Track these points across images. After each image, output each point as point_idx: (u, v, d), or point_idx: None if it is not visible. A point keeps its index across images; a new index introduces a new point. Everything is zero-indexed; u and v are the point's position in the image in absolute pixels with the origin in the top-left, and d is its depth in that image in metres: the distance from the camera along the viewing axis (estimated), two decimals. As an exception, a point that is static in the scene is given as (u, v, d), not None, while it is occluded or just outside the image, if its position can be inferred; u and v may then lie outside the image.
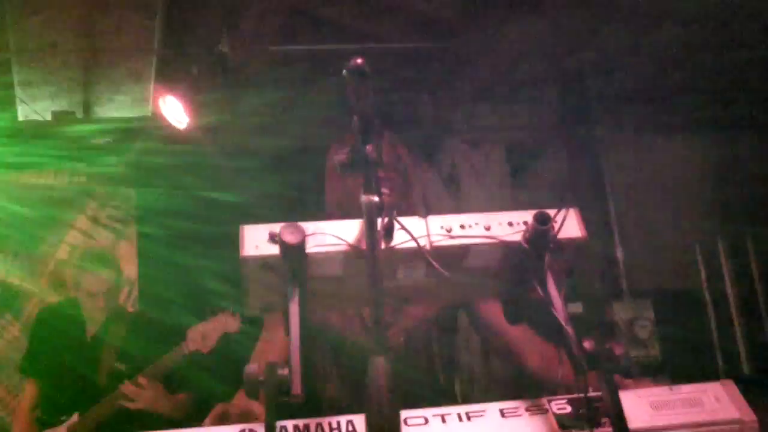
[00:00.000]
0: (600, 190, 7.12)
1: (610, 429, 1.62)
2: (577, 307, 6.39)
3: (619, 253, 6.85)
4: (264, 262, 1.70)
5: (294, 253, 1.64)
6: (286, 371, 1.54)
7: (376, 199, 1.57)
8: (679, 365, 6.33)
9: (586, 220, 1.82)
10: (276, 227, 1.67)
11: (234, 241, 1.73)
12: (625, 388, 1.96)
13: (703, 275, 7.16)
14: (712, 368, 6.76)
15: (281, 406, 1.56)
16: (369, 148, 1.59)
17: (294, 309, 1.62)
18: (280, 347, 2.44)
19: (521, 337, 2.60)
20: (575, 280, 6.65)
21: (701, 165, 7.60)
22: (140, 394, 4.38)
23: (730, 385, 1.84)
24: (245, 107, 6.60)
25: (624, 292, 6.71)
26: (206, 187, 6.48)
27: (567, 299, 1.78)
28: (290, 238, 1.62)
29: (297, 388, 1.52)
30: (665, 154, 7.51)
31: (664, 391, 1.82)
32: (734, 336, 6.90)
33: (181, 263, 6.40)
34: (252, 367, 1.54)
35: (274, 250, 1.68)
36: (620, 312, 6.50)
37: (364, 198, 1.57)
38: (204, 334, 4.47)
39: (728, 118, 7.41)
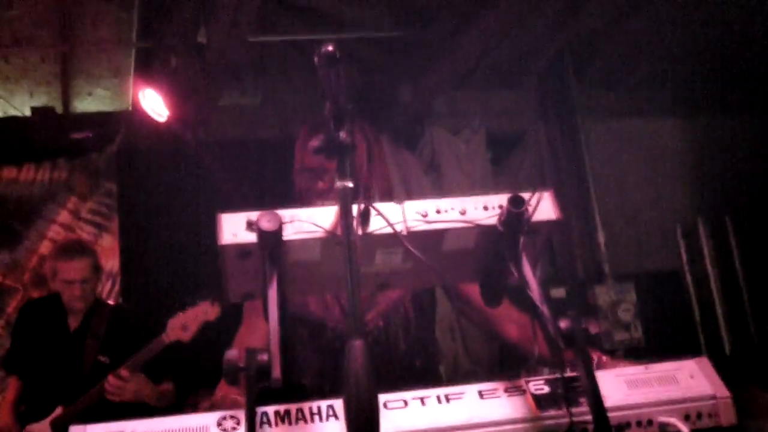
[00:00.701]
0: (581, 174, 7.15)
1: (587, 408, 1.64)
2: (559, 293, 6.43)
3: (601, 237, 6.89)
4: (242, 250, 1.71)
5: (271, 240, 1.65)
6: (265, 356, 1.55)
7: (350, 184, 1.58)
8: (663, 347, 6.39)
9: (566, 205, 1.84)
10: (253, 215, 1.68)
11: (214, 231, 1.74)
12: (603, 366, 1.98)
13: (684, 257, 7.21)
14: (695, 349, 6.81)
15: (261, 392, 1.57)
16: (342, 133, 1.60)
17: (272, 295, 1.64)
18: (259, 334, 2.46)
19: (499, 309, 2.62)
20: (557, 265, 6.71)
21: (681, 147, 7.65)
22: (123, 387, 4.38)
23: (704, 362, 1.86)
24: (225, 97, 6.60)
25: (606, 275, 6.75)
26: (187, 178, 6.48)
27: (546, 282, 1.80)
28: (267, 225, 1.63)
29: (277, 372, 1.53)
30: (645, 138, 7.56)
31: (639, 370, 1.85)
32: (716, 316, 6.96)
33: (163, 255, 6.41)
34: (232, 353, 1.55)
35: (252, 237, 1.69)
36: (603, 295, 6.55)
37: (338, 183, 1.59)
38: (184, 324, 4.47)
39: (708, 100, 7.46)
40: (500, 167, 7.40)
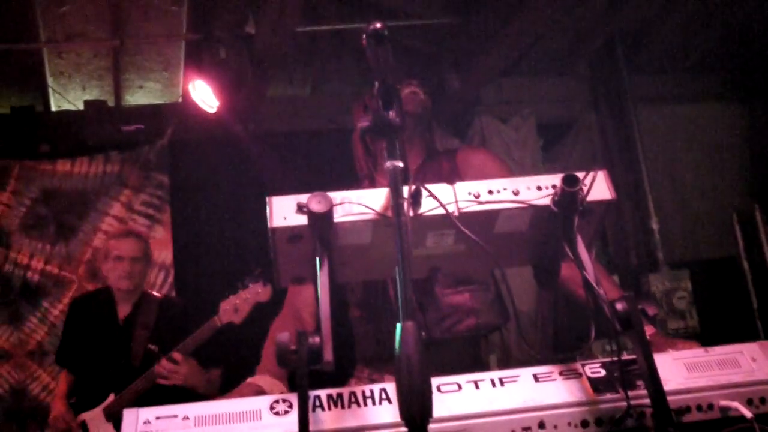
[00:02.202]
0: (634, 161, 7.04)
1: (645, 392, 1.60)
2: (614, 279, 6.34)
3: (655, 224, 6.77)
4: (292, 233, 1.70)
5: (321, 222, 1.64)
6: (317, 339, 1.54)
7: (400, 164, 1.56)
8: (719, 335, 6.26)
9: (619, 192, 1.80)
10: (303, 197, 1.67)
11: (264, 218, 1.73)
12: (658, 346, 1.94)
13: (740, 243, 7.07)
14: (753, 337, 6.67)
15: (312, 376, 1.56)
16: (391, 113, 1.57)
17: (323, 278, 1.62)
18: (303, 316, 2.45)
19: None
20: (610, 253, 6.62)
21: (736, 132, 7.49)
22: (176, 370, 4.42)
23: (767, 345, 1.81)
24: (274, 88, 6.61)
25: (660, 263, 6.64)
26: (237, 169, 6.51)
27: (600, 263, 1.76)
28: (317, 207, 1.62)
29: (328, 355, 1.52)
30: (699, 123, 7.42)
31: (699, 353, 1.80)
32: (774, 303, 6.82)
33: (216, 247, 6.45)
34: (283, 336, 1.55)
35: (303, 220, 1.68)
36: (657, 283, 6.45)
37: (388, 164, 1.57)
38: (236, 306, 4.50)
39: (762, 84, 7.30)
40: (551, 154, 7.31)
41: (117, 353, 4.71)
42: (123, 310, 4.83)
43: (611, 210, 1.84)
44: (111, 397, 4.63)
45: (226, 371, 4.68)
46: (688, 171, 7.34)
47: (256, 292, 4.50)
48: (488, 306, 2.73)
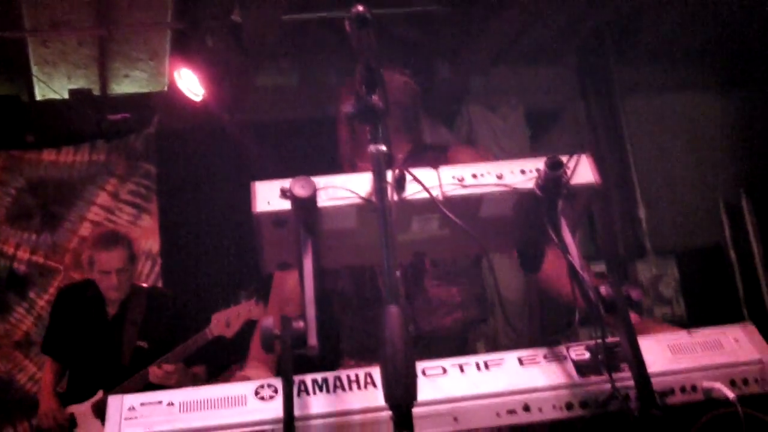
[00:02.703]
0: (621, 150, 7.07)
1: (629, 374, 1.61)
2: (600, 268, 6.37)
3: (642, 212, 6.81)
4: (277, 218, 1.70)
5: (305, 207, 1.64)
6: (301, 324, 1.54)
7: (383, 148, 1.56)
8: (706, 323, 6.27)
9: (607, 181, 1.80)
10: (287, 183, 1.67)
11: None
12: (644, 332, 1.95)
13: (727, 232, 7.10)
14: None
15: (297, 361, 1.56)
16: (375, 97, 1.57)
17: (308, 263, 1.62)
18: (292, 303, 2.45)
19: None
20: (598, 240, 6.64)
21: (724, 121, 7.52)
22: (166, 379, 4.43)
23: (750, 327, 1.82)
24: (261, 78, 6.59)
25: (647, 250, 6.68)
26: (224, 158, 6.49)
27: (584, 252, 1.76)
28: (301, 191, 1.61)
29: (313, 339, 1.52)
30: (687, 112, 7.44)
31: (682, 335, 1.81)
32: (760, 291, 6.85)
33: (202, 236, 6.44)
34: (268, 321, 1.54)
35: (287, 205, 1.68)
36: (644, 271, 6.49)
37: (371, 148, 1.56)
38: (228, 320, 4.54)
39: (749, 74, 7.32)
40: (539, 144, 7.32)
41: (106, 350, 4.70)
42: (112, 306, 4.81)
43: (598, 196, 1.84)
44: (100, 394, 4.62)
45: (210, 368, 4.71)
46: (675, 160, 7.35)
47: (249, 309, 4.56)
48: (475, 300, 2.74)
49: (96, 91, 6.74)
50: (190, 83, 5.98)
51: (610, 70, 7.17)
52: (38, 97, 6.77)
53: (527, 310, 6.24)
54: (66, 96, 6.56)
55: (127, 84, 6.89)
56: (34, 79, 6.60)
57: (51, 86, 6.62)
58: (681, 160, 7.32)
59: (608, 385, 1.66)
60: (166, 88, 6.78)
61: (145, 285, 5.11)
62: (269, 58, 6.41)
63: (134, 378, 4.50)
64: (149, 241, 6.37)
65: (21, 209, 6.42)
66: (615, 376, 1.67)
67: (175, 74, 6.00)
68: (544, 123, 7.42)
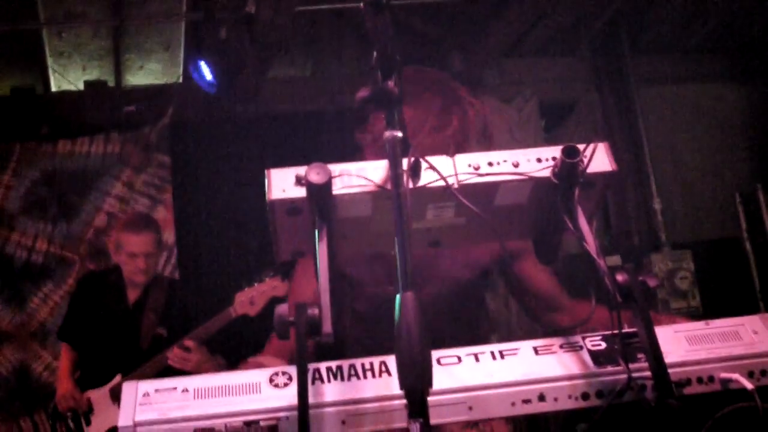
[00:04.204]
0: (636, 141, 7.04)
1: (646, 364, 1.59)
2: (615, 261, 6.35)
3: (657, 205, 6.78)
4: (291, 205, 1.69)
5: (320, 194, 1.63)
6: (316, 311, 1.53)
7: (399, 134, 1.55)
8: (721, 316, 6.23)
9: (622, 172, 1.79)
10: (302, 170, 1.66)
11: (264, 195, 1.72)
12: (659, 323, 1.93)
13: (743, 224, 7.05)
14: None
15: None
16: (390, 83, 1.56)
17: (322, 250, 1.61)
18: (311, 291, 2.43)
19: (555, 295, 2.64)
20: (612, 233, 6.63)
21: (739, 113, 7.47)
22: (188, 357, 4.43)
23: (768, 318, 1.81)
24: (274, 69, 6.59)
25: (663, 243, 6.65)
26: (238, 150, 6.50)
27: (601, 244, 1.75)
28: (316, 178, 1.61)
29: (327, 326, 1.51)
30: (702, 103, 7.40)
31: (699, 326, 1.79)
32: (777, 285, 6.81)
33: (218, 227, 6.45)
34: (282, 308, 1.54)
35: (302, 192, 1.67)
36: (659, 264, 6.45)
37: (387, 134, 1.55)
38: (252, 299, 4.51)
39: (765, 63, 7.27)
40: (553, 136, 7.30)
41: (125, 336, 4.72)
42: (133, 293, 4.84)
43: (613, 184, 1.83)
44: (118, 378, 4.65)
45: (232, 359, 4.70)
46: (690, 151, 7.32)
47: (273, 286, 4.51)
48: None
49: (111, 83, 6.76)
50: (204, 75, 5.98)
51: (624, 61, 7.14)
52: (53, 89, 6.80)
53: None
54: (81, 87, 6.58)
55: (142, 75, 6.91)
56: (50, 71, 6.62)
57: (66, 77, 6.64)
58: (697, 152, 7.28)
59: (624, 375, 1.64)
60: (180, 80, 6.79)
61: (168, 276, 5.13)
62: (282, 50, 6.40)
63: (152, 362, 4.52)
64: (165, 233, 6.36)
65: (36, 200, 6.45)
66: (631, 366, 1.65)
67: (190, 67, 6.01)
68: (559, 115, 7.40)
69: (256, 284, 4.56)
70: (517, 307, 6.05)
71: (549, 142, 7.16)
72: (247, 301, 4.52)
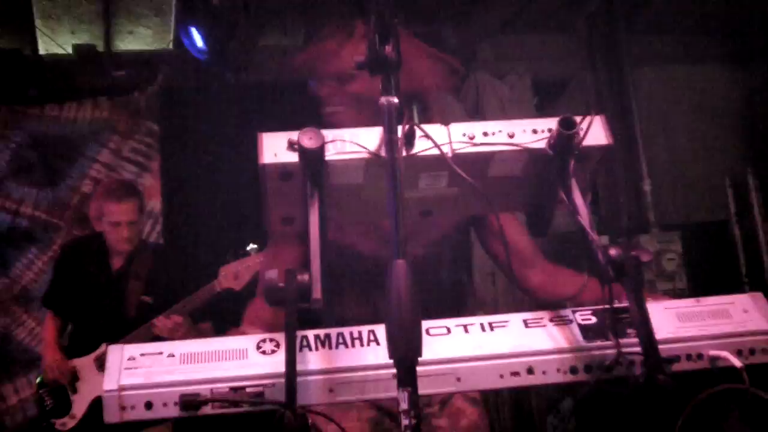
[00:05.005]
0: (628, 121, 7.02)
1: (636, 340, 1.59)
2: (603, 241, 6.35)
3: (647, 186, 6.79)
4: (283, 170, 1.68)
5: (313, 159, 1.62)
6: (306, 277, 1.53)
7: (395, 100, 1.53)
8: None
9: (613, 152, 1.78)
10: (295, 134, 1.65)
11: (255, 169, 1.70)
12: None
13: (732, 208, 7.07)
14: (741, 301, 6.70)
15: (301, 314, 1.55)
16: (388, 48, 1.54)
17: (314, 216, 1.61)
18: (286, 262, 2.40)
19: (528, 254, 2.62)
20: (601, 213, 6.63)
21: (732, 96, 7.46)
22: (173, 331, 4.42)
23: (759, 297, 1.81)
24: (267, 37, 6.54)
25: (651, 224, 6.66)
26: (228, 119, 6.46)
27: (592, 221, 1.74)
28: (309, 143, 1.59)
29: (317, 293, 1.51)
30: (696, 85, 7.38)
31: (690, 303, 1.80)
32: (763, 269, 6.84)
33: (205, 196, 6.43)
34: (271, 273, 1.53)
35: (294, 157, 1.65)
36: (647, 245, 6.46)
37: (383, 100, 1.54)
38: (236, 273, 4.50)
39: (761, 47, 7.26)
40: (545, 113, 7.27)
41: (110, 304, 4.70)
42: (117, 260, 4.81)
43: (606, 159, 1.82)
44: (103, 347, 4.63)
45: (217, 323, 4.69)
46: (682, 133, 7.31)
47: (258, 261, 4.48)
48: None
49: (100, 47, 6.69)
50: (195, 42, 5.93)
51: (619, 39, 7.11)
52: (41, 52, 6.73)
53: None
54: (70, 51, 6.52)
55: (132, 41, 6.84)
56: (38, 33, 6.55)
57: (55, 41, 6.57)
58: (688, 134, 7.28)
59: (614, 350, 1.65)
60: (171, 46, 6.73)
61: (152, 243, 5.10)
62: (275, 18, 6.36)
63: (139, 330, 4.50)
64: (151, 201, 6.35)
65: (22, 163, 6.41)
66: (621, 341, 1.66)
67: (181, 33, 5.96)
68: (552, 92, 7.38)
69: (241, 258, 4.55)
70: (504, 284, 6.08)
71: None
72: (232, 275, 4.51)
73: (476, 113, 6.97)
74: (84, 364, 4.69)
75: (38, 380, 4.89)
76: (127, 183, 5.25)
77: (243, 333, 2.32)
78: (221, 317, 4.65)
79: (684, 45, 7.46)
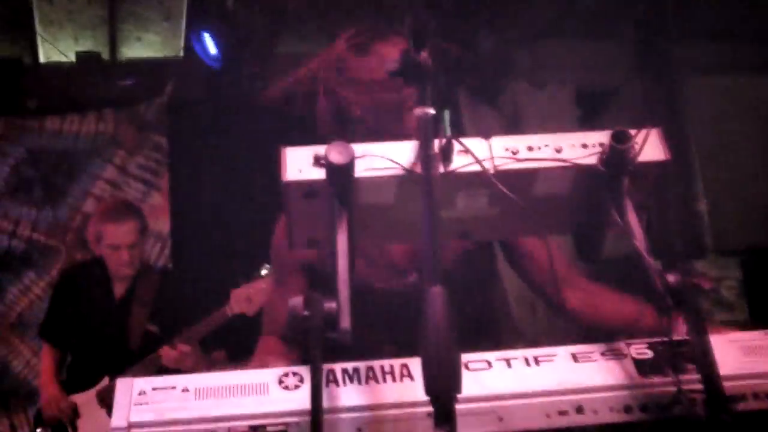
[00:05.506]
0: (681, 136, 6.99)
1: (698, 376, 1.57)
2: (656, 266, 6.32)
3: (703, 207, 6.75)
4: (308, 188, 1.67)
5: (341, 176, 1.61)
6: (333, 305, 1.52)
7: (431, 111, 1.53)
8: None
9: (670, 166, 1.76)
10: (321, 149, 1.65)
11: (270, 189, 1.71)
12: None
13: (797, 231, 7.02)
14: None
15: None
16: (423, 54, 1.55)
17: (342, 238, 1.60)
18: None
19: (564, 273, 2.58)
20: (653, 236, 6.59)
21: (797, 107, 7.42)
22: (181, 361, 4.43)
23: (835, 330, 1.79)
24: (285, 44, 6.58)
25: (708, 249, 6.62)
26: (245, 132, 6.48)
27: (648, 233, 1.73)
28: (338, 158, 1.59)
29: (345, 321, 1.50)
30: (756, 95, 7.35)
31: (757, 336, 1.78)
32: (833, 299, 6.77)
33: (217, 216, 6.44)
34: (296, 301, 1.53)
35: (320, 174, 1.65)
36: (704, 271, 6.42)
37: (418, 111, 1.54)
38: (249, 296, 4.51)
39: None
40: (589, 127, 7.25)
41: (112, 334, 4.72)
42: (119, 286, 4.83)
43: (662, 176, 1.81)
44: (105, 381, 4.65)
45: (230, 351, 4.69)
46: (741, 149, 7.27)
47: None
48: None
49: (105, 55, 6.77)
50: (207, 50, 5.98)
51: (671, 46, 7.10)
52: (42, 60, 6.81)
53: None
54: (72, 59, 6.58)
55: (139, 48, 6.91)
56: (39, 40, 6.63)
57: (57, 48, 6.65)
58: (748, 150, 7.24)
59: (672, 387, 1.63)
60: (181, 54, 6.79)
61: (157, 266, 5.13)
62: (293, 22, 6.39)
63: (145, 362, 4.52)
64: (159, 221, 6.39)
65: (20, 181, 6.46)
66: (681, 377, 1.64)
67: (192, 39, 6.02)
68: (596, 104, 7.37)
69: (254, 280, 4.55)
70: (545, 311, 6.04)
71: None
72: (245, 298, 4.52)
73: (514, 127, 6.97)
74: (85, 399, 4.71)
75: (35, 417, 4.90)
76: (125, 202, 5.27)
77: (262, 364, 2.32)
78: (234, 345, 4.66)
79: (742, 52, 7.43)
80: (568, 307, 2.56)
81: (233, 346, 4.63)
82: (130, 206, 5.02)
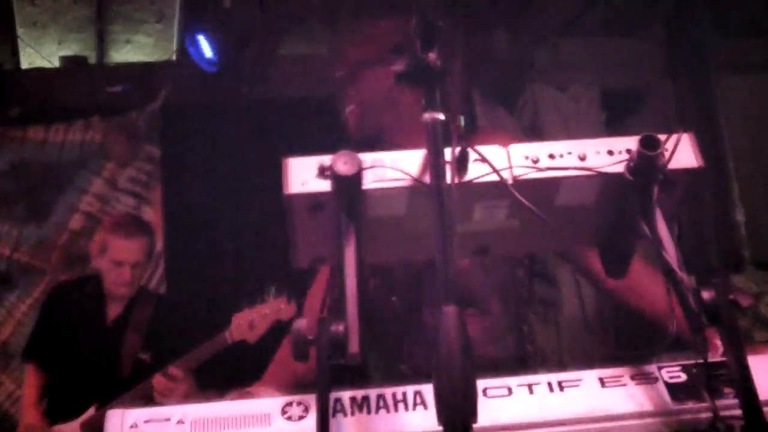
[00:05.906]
0: (716, 142, 7.00)
1: (735, 401, 1.57)
2: (689, 282, 6.31)
3: (740, 216, 6.74)
4: (313, 201, 1.68)
5: (348, 187, 1.61)
6: (341, 327, 1.52)
7: (441, 117, 1.53)
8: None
9: (704, 173, 1.76)
10: (326, 159, 1.65)
11: (273, 200, 1.71)
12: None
13: (841, 242, 7.01)
14: None
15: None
16: (432, 55, 1.55)
17: (350, 254, 1.60)
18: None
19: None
20: (686, 249, 6.57)
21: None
22: (173, 388, 4.43)
23: None
24: (287, 46, 6.59)
25: (746, 262, 6.61)
26: (244, 141, 6.50)
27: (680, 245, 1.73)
28: (344, 168, 1.59)
29: (354, 345, 1.49)
30: (795, 97, 7.35)
31: (800, 357, 1.77)
32: None
33: (214, 233, 6.44)
34: (300, 323, 1.53)
35: (326, 186, 1.66)
36: (741, 286, 6.41)
37: (426, 116, 1.54)
38: (252, 322, 4.49)
39: None
40: (615, 130, 7.26)
41: (102, 359, 4.72)
42: (114, 308, 4.84)
43: (694, 184, 1.81)
44: (92, 411, 4.64)
45: (223, 384, 4.68)
46: (781, 154, 7.28)
47: (278, 308, 4.49)
48: (487, 335, 2.67)
49: (92, 59, 6.79)
50: (203, 52, 6.00)
51: (703, 44, 7.11)
52: (24, 65, 6.84)
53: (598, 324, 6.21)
54: (56, 64, 6.61)
55: (129, 51, 6.95)
56: (20, 44, 6.66)
57: (39, 52, 6.68)
58: (788, 155, 7.24)
59: (709, 413, 1.63)
60: (174, 57, 6.81)
61: (154, 287, 5.14)
62: (296, 23, 6.42)
63: (135, 391, 4.51)
64: (152, 238, 6.40)
65: (1, 196, 6.46)
66: (717, 402, 1.63)
67: (187, 41, 6.04)
68: (623, 105, 7.38)
69: (257, 305, 4.55)
70: (570, 336, 6.04)
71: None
72: (246, 324, 4.50)
73: (533, 130, 6.98)
74: (68, 430, 4.70)
75: None
76: (139, 219, 5.31)
77: (248, 391, 2.33)
78: (231, 375, 4.65)
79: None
80: (608, 286, 2.56)
81: (229, 376, 4.63)
82: (142, 224, 5.05)
